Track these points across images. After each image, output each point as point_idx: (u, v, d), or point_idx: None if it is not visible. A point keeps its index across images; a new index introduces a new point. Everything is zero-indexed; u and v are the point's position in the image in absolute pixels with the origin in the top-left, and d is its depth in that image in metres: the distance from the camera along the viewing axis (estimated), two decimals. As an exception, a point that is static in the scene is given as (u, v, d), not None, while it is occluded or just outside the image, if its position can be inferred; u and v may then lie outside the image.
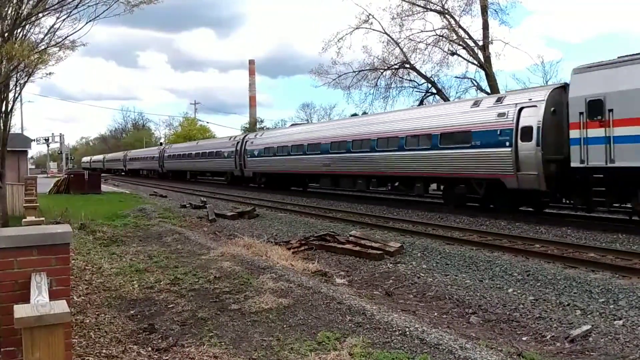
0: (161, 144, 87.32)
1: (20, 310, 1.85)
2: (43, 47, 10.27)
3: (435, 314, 6.43)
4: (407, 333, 4.84)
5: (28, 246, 2.79)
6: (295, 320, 5.33)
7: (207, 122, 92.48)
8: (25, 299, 2.47)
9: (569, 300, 6.52)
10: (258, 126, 55.50)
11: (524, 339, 5.53)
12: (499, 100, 14.03)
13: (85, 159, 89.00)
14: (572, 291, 6.86)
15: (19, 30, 9.91)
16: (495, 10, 27.10)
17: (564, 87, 12.65)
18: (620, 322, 5.71)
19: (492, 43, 26.24)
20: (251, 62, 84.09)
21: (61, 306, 1.90)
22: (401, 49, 28.39)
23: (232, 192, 26.53)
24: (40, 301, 2.12)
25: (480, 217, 13.81)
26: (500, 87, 27.22)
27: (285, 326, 5.15)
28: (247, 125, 57.68)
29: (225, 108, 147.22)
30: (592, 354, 5.02)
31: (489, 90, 26.33)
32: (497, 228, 12.30)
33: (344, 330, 4.95)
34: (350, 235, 11.04)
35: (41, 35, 10.65)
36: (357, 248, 10.00)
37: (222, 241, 11.29)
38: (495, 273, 8.03)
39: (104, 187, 29.81)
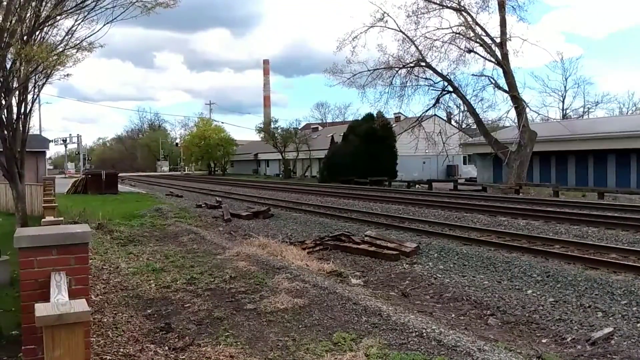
0: (177, 144, 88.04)
1: (42, 309, 1.85)
2: (61, 49, 10.41)
3: (453, 315, 6.34)
4: (424, 334, 4.78)
5: (48, 246, 2.81)
6: (311, 320, 5.32)
7: (222, 122, 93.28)
8: (45, 298, 2.49)
9: (590, 302, 6.38)
10: (272, 126, 55.06)
11: (543, 341, 5.43)
12: None
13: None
14: (593, 293, 6.71)
15: (37, 32, 10.07)
16: (513, 7, 26.83)
17: None
18: (644, 324, 5.57)
19: (510, 40, 25.95)
20: (266, 61, 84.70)
21: (81, 305, 1.90)
22: (417, 47, 28.25)
23: (247, 192, 26.64)
24: (60, 300, 2.13)
25: (499, 217, 13.61)
26: (519, 85, 26.90)
27: (300, 326, 5.13)
28: (262, 126, 57.39)
29: (240, 108, 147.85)
30: (614, 357, 4.90)
31: (507, 88, 26.00)
32: (516, 228, 12.11)
33: (360, 331, 4.91)
34: (366, 236, 10.98)
35: (59, 38, 10.80)
36: (373, 248, 9.94)
37: (238, 241, 11.34)
38: (514, 274, 7.90)
39: (121, 188, 30.19)
